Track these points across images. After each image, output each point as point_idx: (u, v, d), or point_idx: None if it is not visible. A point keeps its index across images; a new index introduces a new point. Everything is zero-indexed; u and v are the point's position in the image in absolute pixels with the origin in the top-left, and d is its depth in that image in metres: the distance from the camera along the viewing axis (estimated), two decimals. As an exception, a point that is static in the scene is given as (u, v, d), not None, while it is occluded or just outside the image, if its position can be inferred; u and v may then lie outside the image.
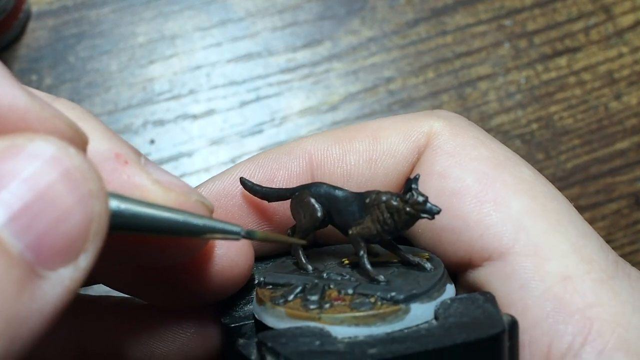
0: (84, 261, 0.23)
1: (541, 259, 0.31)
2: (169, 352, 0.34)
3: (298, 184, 0.34)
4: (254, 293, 0.33)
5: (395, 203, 0.30)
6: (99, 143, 0.27)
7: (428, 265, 0.32)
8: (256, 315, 0.31)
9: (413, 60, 0.65)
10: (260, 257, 0.35)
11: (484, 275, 0.32)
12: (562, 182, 0.63)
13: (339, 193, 0.32)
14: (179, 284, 0.32)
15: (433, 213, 0.30)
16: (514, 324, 0.30)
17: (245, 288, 0.34)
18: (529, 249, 0.32)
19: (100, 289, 0.37)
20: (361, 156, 0.35)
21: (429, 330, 0.29)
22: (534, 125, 0.64)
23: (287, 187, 0.34)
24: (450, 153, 0.34)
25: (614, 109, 0.65)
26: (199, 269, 0.31)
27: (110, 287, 0.34)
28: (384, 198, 0.31)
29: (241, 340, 0.31)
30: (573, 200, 0.63)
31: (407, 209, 0.30)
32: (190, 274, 0.31)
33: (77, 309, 0.35)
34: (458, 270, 0.34)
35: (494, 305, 0.30)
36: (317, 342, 0.28)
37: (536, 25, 0.66)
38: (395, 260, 0.33)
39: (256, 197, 0.35)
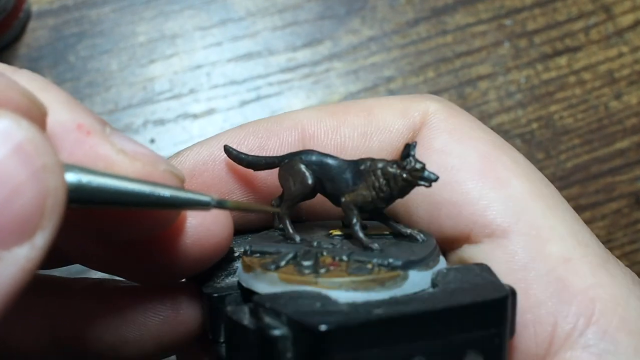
0: (41, 239, 0.22)
1: (542, 240, 0.32)
2: (142, 336, 0.33)
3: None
4: (239, 263, 0.32)
5: (392, 169, 0.30)
6: (60, 114, 0.26)
7: (420, 237, 0.31)
8: (243, 284, 0.30)
9: (413, 59, 0.65)
10: (238, 232, 0.34)
11: (483, 252, 0.32)
12: (562, 181, 0.63)
13: (330, 160, 0.31)
14: (155, 258, 0.31)
15: (431, 180, 0.29)
16: (513, 294, 0.29)
17: (224, 260, 0.32)
18: (531, 230, 0.32)
19: (76, 269, 0.36)
20: (355, 129, 0.34)
21: (432, 294, 0.28)
22: (534, 125, 0.64)
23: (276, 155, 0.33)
24: (449, 131, 0.34)
25: (614, 108, 0.65)
26: (174, 240, 0.30)
27: (85, 265, 0.33)
28: (380, 165, 0.30)
29: (229, 307, 0.29)
30: (573, 199, 0.63)
31: (404, 175, 0.29)
32: (165, 246, 0.30)
33: (48, 293, 0.34)
34: (452, 246, 0.34)
35: (491, 274, 0.30)
36: (318, 304, 0.27)
37: (536, 25, 0.66)
38: (385, 233, 0.32)
39: (241, 166, 0.34)
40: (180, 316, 0.34)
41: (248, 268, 0.30)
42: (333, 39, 0.65)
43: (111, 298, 0.34)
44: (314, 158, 0.32)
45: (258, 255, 0.31)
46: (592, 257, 0.32)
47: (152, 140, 0.62)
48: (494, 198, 0.32)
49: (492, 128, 0.64)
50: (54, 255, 0.23)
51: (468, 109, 0.64)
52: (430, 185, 0.29)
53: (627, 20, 0.67)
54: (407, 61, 0.65)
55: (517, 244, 0.32)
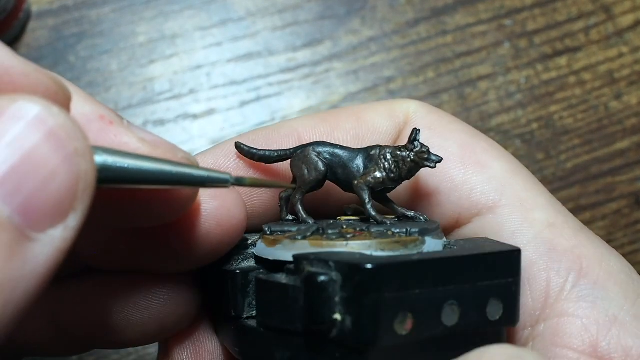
0: (74, 220, 0.23)
1: (527, 209, 0.35)
2: (144, 319, 0.34)
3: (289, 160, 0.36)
4: (252, 249, 0.34)
5: (401, 152, 0.33)
6: (83, 106, 0.27)
7: (424, 217, 0.34)
8: (270, 257, 0.32)
9: (413, 59, 0.65)
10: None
11: (473, 230, 0.35)
12: (562, 181, 0.63)
13: (340, 150, 0.35)
14: (176, 244, 0.32)
15: (435, 161, 0.33)
16: (519, 252, 0.32)
17: (235, 249, 0.34)
18: (515, 202, 0.35)
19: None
20: (348, 133, 0.37)
21: (455, 249, 0.31)
22: (534, 125, 0.64)
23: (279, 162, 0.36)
24: (429, 127, 0.37)
25: (614, 108, 0.65)
26: (196, 224, 0.32)
27: (99, 266, 0.34)
28: (389, 149, 0.34)
29: (261, 275, 0.31)
30: (573, 200, 0.63)
31: (412, 157, 0.33)
32: (187, 230, 0.32)
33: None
34: (444, 233, 0.36)
35: (496, 241, 0.33)
36: (358, 256, 0.29)
37: (536, 25, 0.66)
38: (390, 217, 0.35)
39: (253, 161, 0.36)
40: (181, 297, 0.35)
41: (273, 242, 0.32)
42: (333, 39, 0.65)
43: (111, 283, 0.35)
44: (325, 148, 0.35)
45: (279, 233, 0.33)
46: (572, 222, 0.35)
47: (152, 141, 0.62)
48: (477, 181, 0.35)
49: (492, 128, 0.64)
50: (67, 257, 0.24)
51: (468, 109, 0.64)
52: (434, 166, 0.33)
53: (627, 20, 0.67)
54: (407, 61, 0.65)
55: (504, 216, 0.35)
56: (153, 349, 0.58)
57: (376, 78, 0.64)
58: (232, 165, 0.36)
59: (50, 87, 0.25)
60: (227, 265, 0.34)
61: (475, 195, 0.35)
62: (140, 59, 0.64)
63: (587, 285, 0.33)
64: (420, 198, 0.36)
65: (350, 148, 0.35)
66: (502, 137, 0.64)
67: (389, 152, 0.34)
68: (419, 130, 0.33)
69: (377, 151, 0.34)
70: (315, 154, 0.35)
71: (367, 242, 0.30)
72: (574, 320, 0.33)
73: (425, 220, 0.34)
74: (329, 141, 0.36)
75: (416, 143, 0.33)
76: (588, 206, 0.63)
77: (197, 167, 0.28)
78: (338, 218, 0.35)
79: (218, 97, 0.64)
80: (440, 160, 0.33)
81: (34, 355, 0.35)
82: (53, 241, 0.23)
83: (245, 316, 0.33)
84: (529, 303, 0.33)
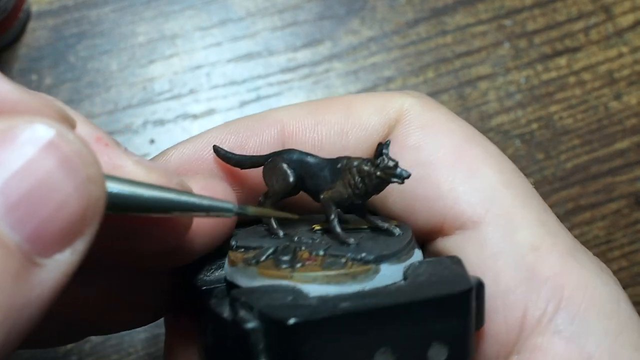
0: (81, 244, 0.23)
1: (512, 229, 0.32)
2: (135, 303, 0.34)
3: (269, 152, 0.35)
4: (227, 257, 0.33)
5: (366, 167, 0.31)
6: (80, 128, 0.27)
7: (397, 231, 0.32)
8: (228, 277, 0.32)
9: (413, 60, 0.65)
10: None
11: (456, 243, 0.33)
12: (562, 182, 0.63)
13: (310, 159, 0.33)
14: (163, 240, 0.31)
15: (403, 177, 0.31)
16: (480, 285, 0.30)
17: (215, 254, 0.34)
18: (500, 219, 0.33)
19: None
20: (332, 127, 0.36)
21: (399, 287, 0.30)
22: (534, 125, 0.64)
23: (259, 154, 0.35)
24: (422, 127, 0.35)
25: (614, 108, 0.65)
26: (185, 220, 0.31)
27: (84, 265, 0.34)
28: (355, 163, 0.31)
29: (214, 300, 0.31)
30: (573, 200, 0.63)
31: (378, 173, 0.31)
32: (175, 227, 0.31)
33: None
34: (428, 238, 0.35)
35: (461, 267, 0.31)
36: (290, 298, 0.28)
37: (536, 25, 0.66)
38: (364, 227, 0.33)
39: (229, 165, 0.35)
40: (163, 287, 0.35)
41: (232, 262, 0.32)
42: (333, 39, 0.65)
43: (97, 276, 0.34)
44: (295, 157, 0.33)
45: (242, 250, 0.32)
46: (561, 245, 0.33)
47: (152, 141, 0.62)
48: (464, 190, 0.33)
49: (491, 128, 0.64)
50: None
51: (468, 109, 0.64)
52: (403, 182, 0.31)
53: (627, 20, 0.67)
54: (407, 61, 0.65)
55: (487, 234, 0.33)
56: (153, 348, 0.58)
57: (376, 78, 0.64)
58: (212, 157, 0.36)
59: (57, 117, 0.25)
60: (200, 274, 0.34)
61: (460, 205, 0.33)
62: (140, 59, 0.64)
63: (565, 319, 0.31)
64: (406, 201, 0.35)
65: (321, 158, 0.33)
66: (502, 137, 0.64)
67: (354, 166, 0.31)
68: (387, 143, 0.31)
69: (344, 163, 0.32)
70: (285, 163, 0.33)
71: (312, 274, 0.29)
72: (546, 357, 0.31)
73: (399, 234, 0.32)
74: (313, 133, 0.35)
75: (382, 157, 0.31)
76: (588, 206, 0.63)
77: (202, 196, 0.28)
78: (313, 226, 0.34)
79: (218, 97, 0.64)
80: (408, 176, 0.31)
81: (25, 347, 0.35)
82: (59, 266, 0.23)
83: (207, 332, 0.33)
84: (503, 334, 0.31)
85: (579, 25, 0.66)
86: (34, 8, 0.64)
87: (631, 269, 0.61)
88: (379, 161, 0.31)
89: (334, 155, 0.34)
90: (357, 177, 0.31)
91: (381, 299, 0.28)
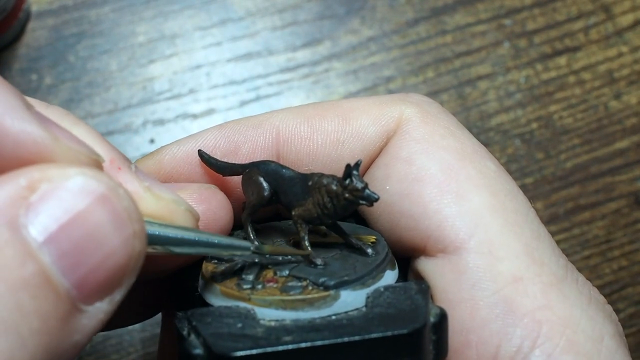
0: (119, 294, 0.25)
1: (494, 258, 0.31)
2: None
3: (262, 159, 0.34)
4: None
5: (334, 188, 0.30)
6: (96, 148, 0.27)
7: (370, 251, 0.32)
8: (199, 289, 0.32)
9: (413, 59, 0.65)
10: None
11: (436, 267, 0.32)
12: (562, 181, 0.63)
13: (285, 173, 0.32)
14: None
15: (371, 200, 0.30)
16: (442, 317, 0.30)
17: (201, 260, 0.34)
18: (484, 247, 0.31)
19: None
20: (329, 136, 0.35)
21: (351, 320, 0.29)
22: (534, 125, 0.64)
23: (249, 161, 0.34)
24: (418, 140, 0.34)
25: (614, 108, 0.65)
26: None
27: None
28: (324, 182, 0.31)
29: (179, 314, 0.30)
30: (573, 199, 0.63)
31: (346, 194, 0.30)
32: None
33: None
34: (412, 255, 0.34)
35: (424, 297, 0.30)
36: (240, 325, 0.28)
37: (536, 25, 0.66)
38: (342, 242, 0.33)
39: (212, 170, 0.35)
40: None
41: (202, 276, 0.32)
42: (333, 39, 0.65)
43: None
44: (270, 169, 0.33)
45: (215, 262, 0.32)
46: (546, 276, 0.31)
47: (152, 141, 0.62)
48: (450, 213, 0.32)
49: (491, 128, 0.64)
50: None
51: (468, 109, 0.64)
52: (371, 205, 0.30)
53: (626, 20, 0.67)
54: (407, 61, 0.65)
55: (468, 262, 0.31)
56: (153, 348, 0.58)
57: (376, 78, 0.64)
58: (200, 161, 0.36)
59: (89, 164, 0.25)
60: (189, 279, 0.34)
61: (444, 228, 0.32)
62: (140, 58, 0.64)
63: (539, 358, 0.29)
64: (392, 215, 0.34)
65: (296, 172, 0.32)
66: (502, 136, 0.64)
67: (324, 186, 0.30)
68: (357, 164, 0.30)
69: (315, 180, 0.31)
70: (261, 176, 0.33)
71: (269, 299, 0.29)
72: None
73: (371, 255, 0.31)
74: (308, 142, 0.34)
75: (351, 179, 0.30)
76: (588, 206, 0.63)
77: (222, 236, 0.30)
78: (291, 238, 0.34)
79: (218, 97, 0.64)
80: (377, 199, 0.29)
81: None
82: (98, 314, 0.24)
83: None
84: None
85: (579, 24, 0.66)
86: (34, 8, 0.64)
87: (631, 268, 0.61)
88: (347, 182, 0.30)
89: (328, 165, 0.34)
90: (325, 197, 0.30)
91: (325, 335, 0.28)
